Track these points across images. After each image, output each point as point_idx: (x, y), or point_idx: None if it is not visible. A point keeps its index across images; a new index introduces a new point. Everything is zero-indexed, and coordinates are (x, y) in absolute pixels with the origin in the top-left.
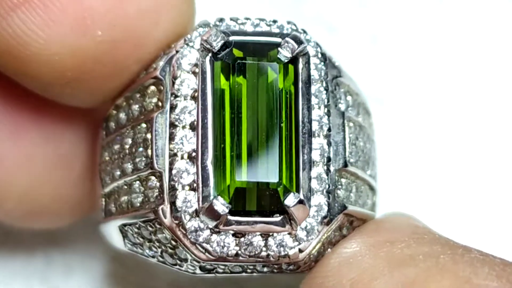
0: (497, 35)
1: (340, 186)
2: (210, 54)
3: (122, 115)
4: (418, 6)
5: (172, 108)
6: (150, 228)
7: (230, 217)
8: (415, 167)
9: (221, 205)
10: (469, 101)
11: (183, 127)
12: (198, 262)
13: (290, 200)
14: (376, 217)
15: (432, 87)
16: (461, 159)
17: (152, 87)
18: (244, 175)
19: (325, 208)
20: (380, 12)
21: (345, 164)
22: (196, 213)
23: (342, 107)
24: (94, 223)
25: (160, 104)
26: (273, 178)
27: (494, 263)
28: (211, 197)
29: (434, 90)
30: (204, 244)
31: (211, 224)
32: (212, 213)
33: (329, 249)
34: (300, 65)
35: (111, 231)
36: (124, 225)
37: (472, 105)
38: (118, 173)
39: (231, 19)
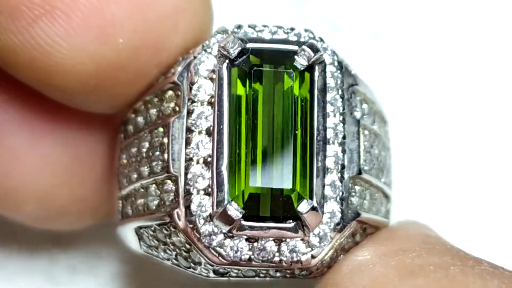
0: (501, 32)
1: (354, 193)
2: (227, 61)
3: (140, 119)
4: (420, 3)
5: (189, 113)
6: (165, 231)
7: (243, 222)
8: (418, 166)
9: (234, 210)
10: (473, 98)
11: (199, 132)
12: (212, 265)
13: (303, 207)
14: (390, 224)
15: (435, 84)
16: (467, 159)
17: (170, 92)
18: (258, 181)
19: (338, 215)
20: (382, 9)
21: (359, 172)
22: (210, 217)
23: (358, 115)
24: (99, 222)
25: (177, 109)
26: (287, 185)
27: (504, 276)
28: (225, 202)
29: (438, 87)
30: (218, 248)
31: (225, 228)
32: (225, 218)
33: (341, 256)
34: (316, 73)
35: (127, 233)
36: (140, 227)
37: (477, 102)
38: (135, 176)
39: (249, 26)
